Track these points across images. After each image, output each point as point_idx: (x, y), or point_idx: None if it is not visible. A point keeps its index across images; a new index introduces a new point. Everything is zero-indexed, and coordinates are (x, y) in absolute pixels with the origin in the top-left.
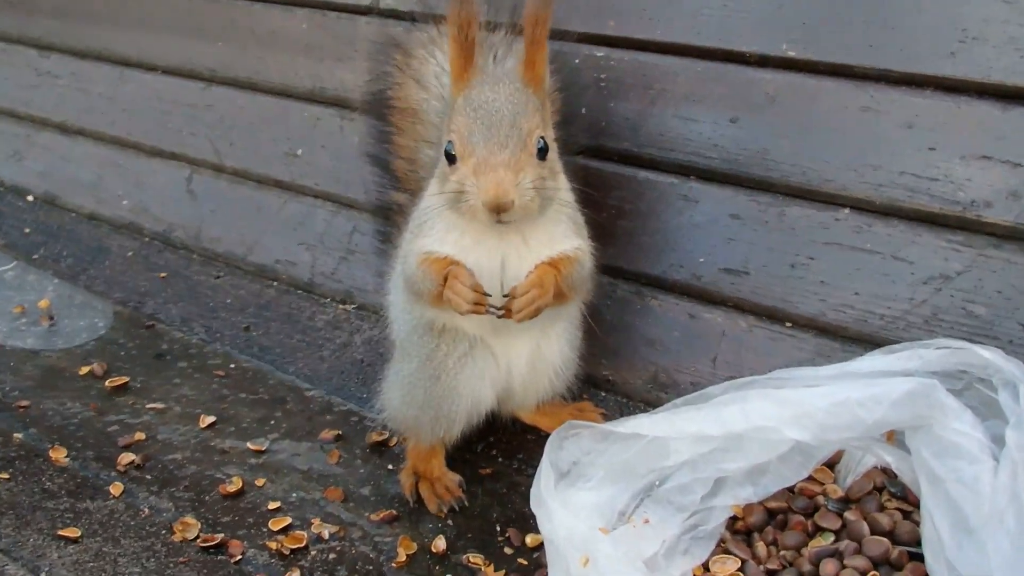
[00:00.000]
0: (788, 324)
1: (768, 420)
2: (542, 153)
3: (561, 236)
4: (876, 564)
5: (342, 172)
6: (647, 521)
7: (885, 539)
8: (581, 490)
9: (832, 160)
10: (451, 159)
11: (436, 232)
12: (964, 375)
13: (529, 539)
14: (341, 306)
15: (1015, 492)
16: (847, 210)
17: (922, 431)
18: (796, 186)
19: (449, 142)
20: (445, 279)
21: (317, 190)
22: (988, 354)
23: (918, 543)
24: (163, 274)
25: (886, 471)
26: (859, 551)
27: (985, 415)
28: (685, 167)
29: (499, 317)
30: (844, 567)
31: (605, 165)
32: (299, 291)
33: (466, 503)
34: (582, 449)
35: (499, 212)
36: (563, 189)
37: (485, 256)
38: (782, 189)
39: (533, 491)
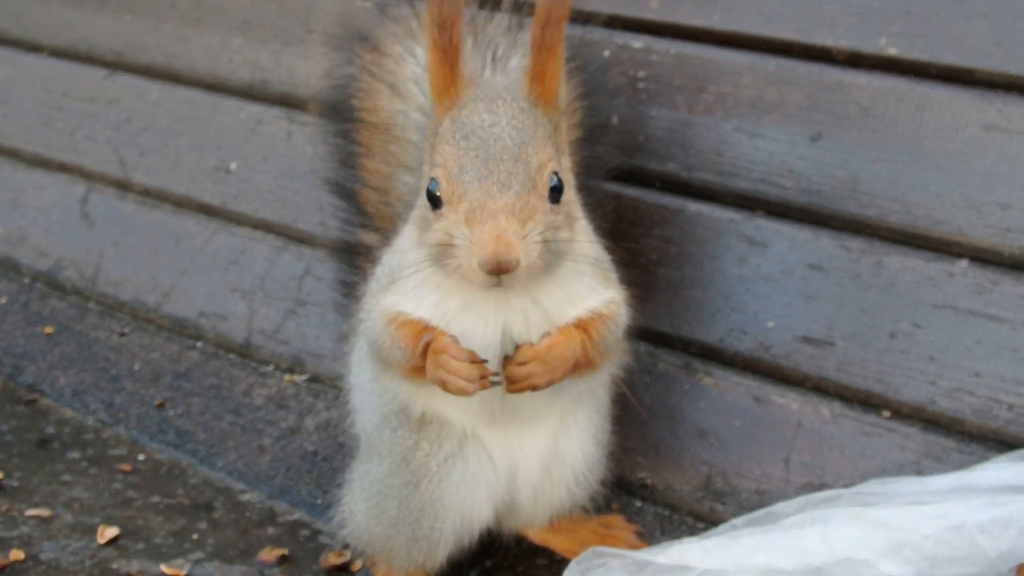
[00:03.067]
0: (886, 414)
1: (857, 550)
2: (555, 194)
3: (587, 290)
4: None
5: (290, 194)
6: None
7: None
8: None
9: (946, 194)
10: (435, 202)
11: (410, 288)
12: None
13: None
14: (287, 376)
15: None
16: (965, 261)
17: None
18: (898, 228)
19: (432, 180)
20: (424, 350)
21: (256, 218)
22: None
23: None
24: (48, 329)
25: None
26: None
27: None
28: (750, 199)
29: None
30: None
31: (643, 193)
32: (231, 355)
33: None
34: None
35: (499, 274)
36: (583, 241)
37: (479, 325)
38: (879, 232)
39: None
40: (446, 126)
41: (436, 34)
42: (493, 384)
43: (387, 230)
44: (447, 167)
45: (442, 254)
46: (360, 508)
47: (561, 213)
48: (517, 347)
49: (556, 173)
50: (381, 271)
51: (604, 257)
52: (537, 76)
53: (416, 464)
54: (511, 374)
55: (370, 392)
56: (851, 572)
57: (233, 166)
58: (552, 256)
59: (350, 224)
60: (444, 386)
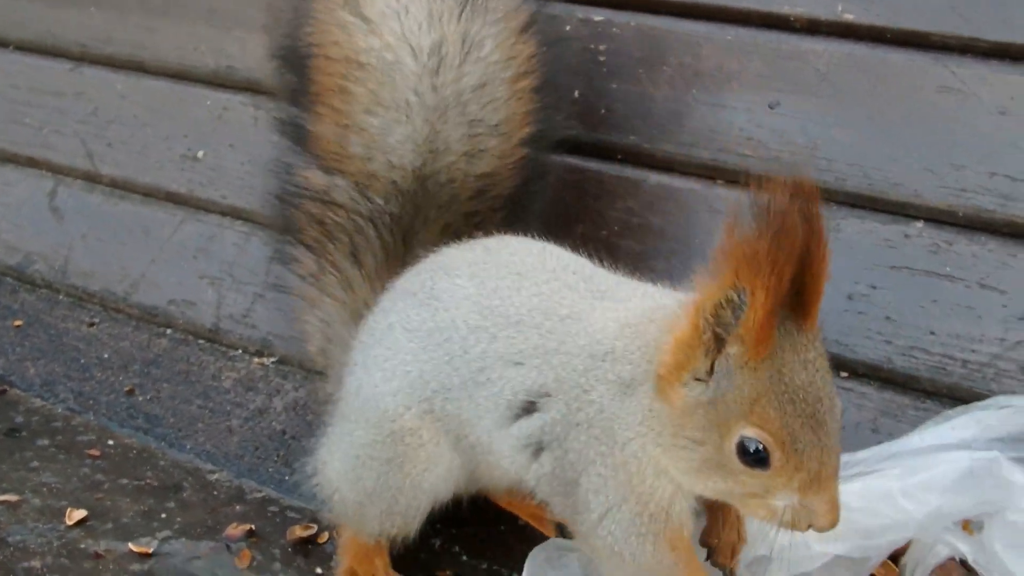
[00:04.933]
0: (844, 374)
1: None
2: None
3: None
4: None
5: (258, 180)
6: None
7: None
8: None
9: (902, 157)
10: (753, 463)
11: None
12: None
13: None
14: (256, 360)
15: None
16: (921, 223)
17: (996, 518)
18: (855, 192)
19: (751, 439)
20: None
21: (224, 205)
22: None
23: None
24: (17, 321)
25: (965, 563)
26: None
27: None
28: (711, 168)
29: None
30: None
31: (605, 166)
32: (200, 341)
33: None
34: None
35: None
36: None
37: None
38: (837, 196)
39: None
40: (764, 381)
41: (776, 281)
42: None
43: (340, 172)
44: (777, 436)
45: (742, 497)
46: (335, 467)
47: None
48: None
49: None
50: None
51: None
52: (812, 303)
53: (407, 445)
54: None
55: (393, 372)
56: (786, 555)
57: (200, 154)
58: None
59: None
60: None
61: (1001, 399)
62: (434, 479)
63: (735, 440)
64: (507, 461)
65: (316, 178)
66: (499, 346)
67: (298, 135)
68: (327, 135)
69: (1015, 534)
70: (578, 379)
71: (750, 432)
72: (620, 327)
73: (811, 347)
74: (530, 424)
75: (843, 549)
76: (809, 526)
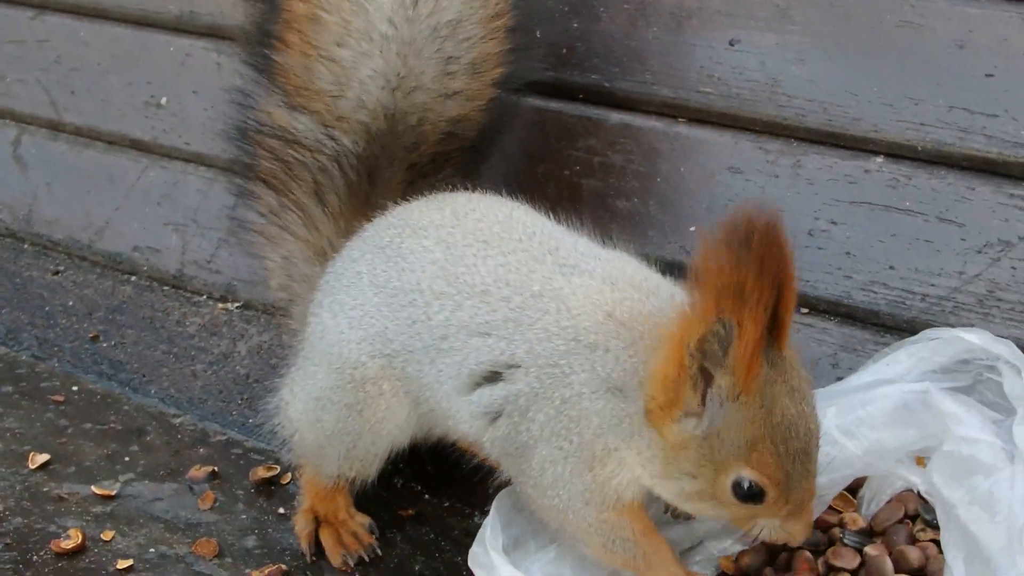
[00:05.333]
0: (804, 310)
1: None
2: None
3: None
4: None
5: (221, 126)
6: None
7: None
8: (536, 562)
9: (861, 92)
10: (746, 498)
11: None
12: (968, 366)
13: None
14: (220, 305)
15: None
16: (880, 158)
17: (937, 452)
18: (815, 128)
19: (751, 484)
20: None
21: (188, 151)
22: (975, 338)
23: None
24: None
25: (921, 494)
26: None
27: (1008, 410)
28: (671, 106)
29: None
30: None
31: (567, 106)
32: (165, 287)
33: (379, 553)
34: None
35: None
36: None
37: None
38: (797, 133)
39: (474, 549)
40: (758, 419)
41: (763, 310)
42: None
43: (306, 110)
44: (773, 478)
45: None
46: (297, 407)
47: None
48: None
49: None
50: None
51: None
52: (784, 328)
53: (367, 392)
54: None
55: (358, 324)
56: None
57: (164, 101)
58: None
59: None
60: None
61: (930, 332)
62: (392, 427)
63: (731, 479)
64: (464, 424)
65: (280, 115)
66: (463, 315)
67: (263, 66)
68: (294, 67)
69: (951, 464)
70: (557, 359)
71: (748, 474)
72: (605, 318)
73: (794, 372)
74: (492, 393)
75: None
76: (786, 541)
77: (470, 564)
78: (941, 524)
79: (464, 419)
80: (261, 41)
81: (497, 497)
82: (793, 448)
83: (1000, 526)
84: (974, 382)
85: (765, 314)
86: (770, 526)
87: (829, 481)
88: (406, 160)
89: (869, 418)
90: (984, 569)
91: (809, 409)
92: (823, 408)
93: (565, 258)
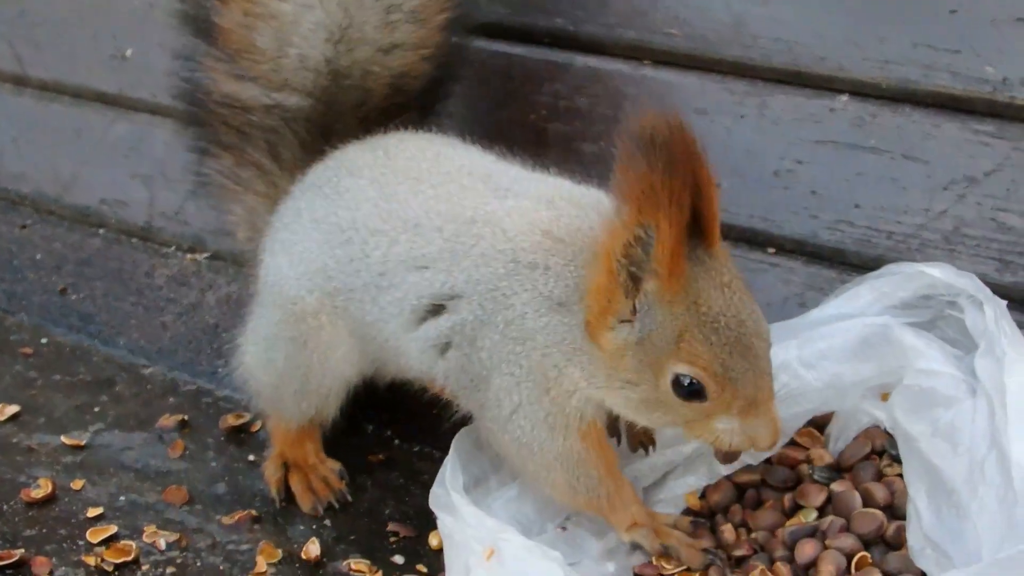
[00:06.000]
0: (771, 250)
1: None
2: None
3: None
4: (867, 543)
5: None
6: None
7: (880, 512)
8: (498, 499)
9: (826, 31)
10: (689, 396)
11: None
12: (930, 301)
13: (433, 540)
14: (189, 256)
15: (994, 435)
16: (845, 97)
17: (898, 386)
18: (780, 68)
19: (686, 376)
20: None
21: (154, 103)
22: (937, 272)
23: None
24: None
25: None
26: (846, 528)
27: (968, 346)
28: (636, 48)
29: None
30: (826, 548)
31: (532, 51)
32: (133, 239)
33: (349, 498)
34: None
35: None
36: None
37: None
38: (762, 73)
39: (435, 489)
40: (685, 314)
41: (677, 210)
42: None
43: (251, 77)
44: (709, 369)
45: (683, 422)
46: (251, 351)
47: None
48: None
49: None
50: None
51: None
52: (712, 226)
53: (307, 326)
54: None
55: (302, 259)
56: None
57: (129, 53)
58: None
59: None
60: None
61: (892, 267)
62: (338, 361)
63: (669, 378)
64: (415, 360)
65: (227, 83)
66: (400, 250)
67: (204, 29)
68: (235, 27)
69: (912, 398)
70: (497, 283)
71: (681, 368)
72: (543, 236)
73: (724, 270)
74: (437, 325)
75: None
76: (751, 445)
77: (431, 505)
78: (903, 457)
79: (415, 356)
80: (202, 4)
81: (457, 436)
82: (726, 339)
83: (962, 458)
84: (934, 318)
85: (681, 213)
86: (730, 431)
87: (792, 415)
88: (356, 114)
89: (830, 351)
90: (947, 500)
91: (742, 303)
92: (785, 341)
93: (498, 183)
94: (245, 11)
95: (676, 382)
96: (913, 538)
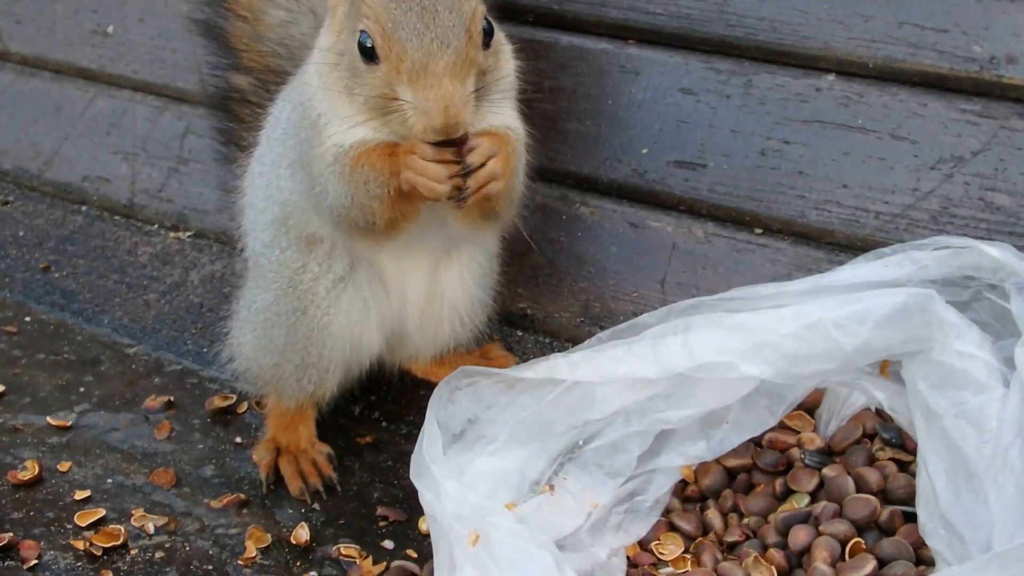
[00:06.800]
0: (758, 230)
1: (718, 354)
2: (487, 38)
3: (509, 117)
4: (861, 529)
5: (168, 54)
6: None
7: (873, 498)
8: (480, 455)
9: (811, 10)
10: (368, 54)
11: (346, 127)
12: (971, 282)
13: (423, 524)
14: (172, 234)
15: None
16: (832, 76)
17: (919, 357)
18: (766, 47)
19: (363, 32)
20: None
21: (136, 79)
22: (997, 252)
23: (915, 500)
24: None
25: (880, 413)
26: (840, 514)
27: (999, 332)
28: (621, 27)
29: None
30: (820, 535)
31: (517, 29)
32: (116, 216)
33: (337, 485)
34: (481, 402)
35: (447, 136)
36: (510, 74)
37: None
38: (748, 52)
39: (414, 458)
40: None
41: None
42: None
43: (257, 70)
44: (379, 21)
45: (382, 107)
46: (247, 339)
47: (491, 55)
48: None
49: (486, 17)
50: (293, 120)
51: (516, 86)
52: None
53: (304, 287)
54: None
55: (263, 210)
56: (712, 375)
57: (110, 29)
58: (485, 98)
59: (220, 68)
60: (414, 188)
61: (940, 240)
62: (342, 316)
63: (357, 39)
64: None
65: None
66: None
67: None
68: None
69: (940, 373)
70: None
71: (361, 25)
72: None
73: None
74: None
75: (768, 373)
76: (427, 123)
77: (412, 477)
78: (919, 430)
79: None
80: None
81: (434, 393)
82: None
83: (988, 444)
84: (971, 299)
85: None
86: (412, 106)
87: (812, 372)
88: None
89: (866, 314)
90: (967, 484)
91: None
92: (821, 299)
93: None
94: (249, 18)
95: (360, 43)
96: (926, 516)
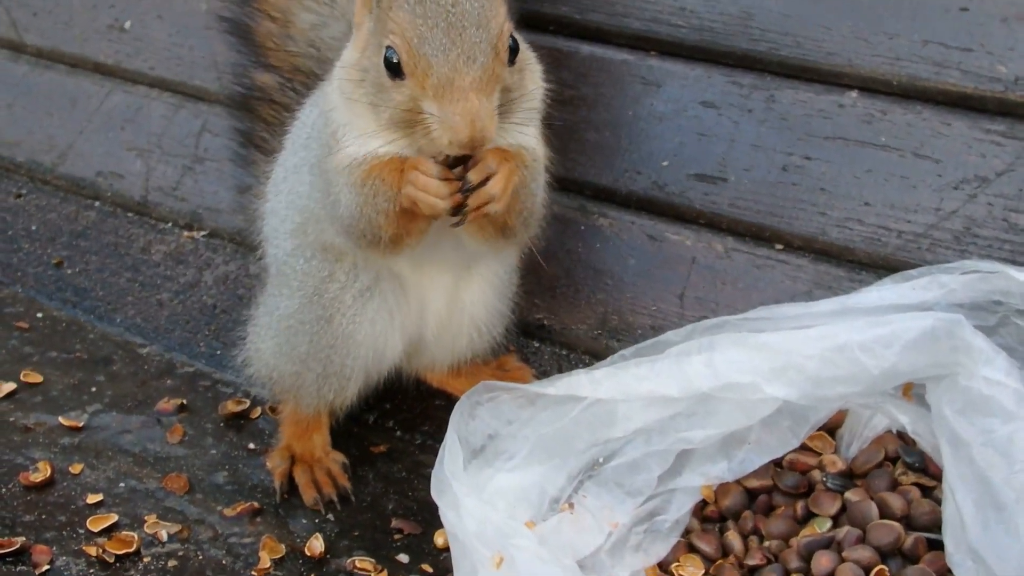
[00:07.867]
0: (778, 246)
1: (743, 374)
2: (513, 55)
3: (516, 132)
4: (885, 555)
5: (185, 51)
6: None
7: (897, 524)
8: (500, 471)
9: (835, 26)
10: (394, 70)
11: (361, 138)
12: (999, 307)
13: (439, 538)
14: (186, 233)
15: None
16: (855, 93)
17: (945, 382)
18: (789, 62)
19: (389, 48)
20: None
21: (152, 76)
22: None
23: (939, 527)
24: None
25: (902, 436)
26: (863, 540)
27: None
28: (643, 39)
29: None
30: (843, 560)
31: (537, 37)
32: (129, 213)
33: (352, 496)
34: (501, 418)
35: (473, 150)
36: (535, 93)
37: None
38: (770, 67)
39: (435, 473)
40: None
41: None
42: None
43: (284, 69)
44: (405, 36)
45: (407, 122)
46: (268, 345)
47: (516, 72)
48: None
49: (512, 34)
50: (316, 128)
51: (541, 107)
52: None
53: (330, 296)
54: (475, 197)
55: (284, 217)
56: (736, 395)
57: (127, 24)
58: (507, 115)
59: (245, 66)
60: (417, 205)
61: (968, 264)
62: (367, 325)
63: (383, 55)
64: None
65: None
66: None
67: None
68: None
69: (966, 399)
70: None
71: (387, 41)
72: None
73: None
74: None
75: (793, 394)
76: (451, 137)
77: (433, 493)
78: (945, 457)
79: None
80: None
81: (455, 408)
82: (431, 11)
83: (1018, 476)
84: (998, 324)
85: None
86: (438, 120)
87: (836, 395)
88: None
89: (892, 338)
90: (996, 515)
91: None
92: (848, 321)
93: None
94: (277, 20)
95: (387, 59)
96: (953, 546)
